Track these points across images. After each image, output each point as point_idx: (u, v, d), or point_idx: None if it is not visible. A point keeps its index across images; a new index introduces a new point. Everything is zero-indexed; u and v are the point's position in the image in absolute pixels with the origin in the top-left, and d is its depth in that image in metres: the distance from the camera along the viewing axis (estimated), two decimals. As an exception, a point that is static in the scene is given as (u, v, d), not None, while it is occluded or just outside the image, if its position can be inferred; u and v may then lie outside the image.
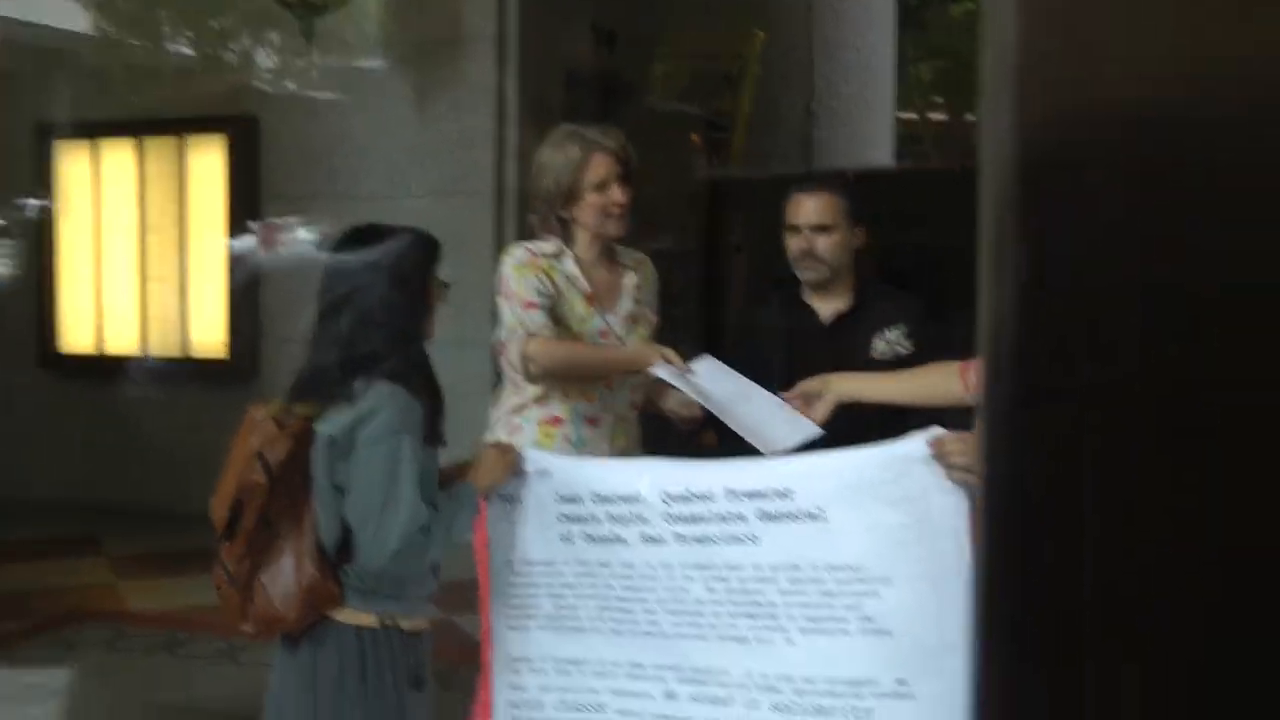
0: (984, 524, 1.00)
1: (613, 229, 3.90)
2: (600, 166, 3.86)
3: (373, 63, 8.28)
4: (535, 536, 3.15)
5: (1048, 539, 0.93)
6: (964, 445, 2.61)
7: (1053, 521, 0.92)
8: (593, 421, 3.87)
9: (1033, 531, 0.94)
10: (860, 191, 4.28)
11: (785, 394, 3.40)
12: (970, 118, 15.36)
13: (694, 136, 11.79)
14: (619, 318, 3.93)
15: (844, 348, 3.99)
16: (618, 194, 3.85)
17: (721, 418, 3.33)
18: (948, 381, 2.67)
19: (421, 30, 8.10)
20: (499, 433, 3.96)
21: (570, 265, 3.91)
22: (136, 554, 7.91)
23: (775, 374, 3.95)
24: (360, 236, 3.12)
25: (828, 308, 4.11)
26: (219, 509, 3.00)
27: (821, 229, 4.02)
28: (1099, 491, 0.90)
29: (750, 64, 10.93)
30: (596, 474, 3.15)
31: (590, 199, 3.87)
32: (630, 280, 4.01)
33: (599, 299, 3.92)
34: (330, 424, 2.96)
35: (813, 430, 3.28)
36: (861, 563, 2.77)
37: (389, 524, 2.91)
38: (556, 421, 3.88)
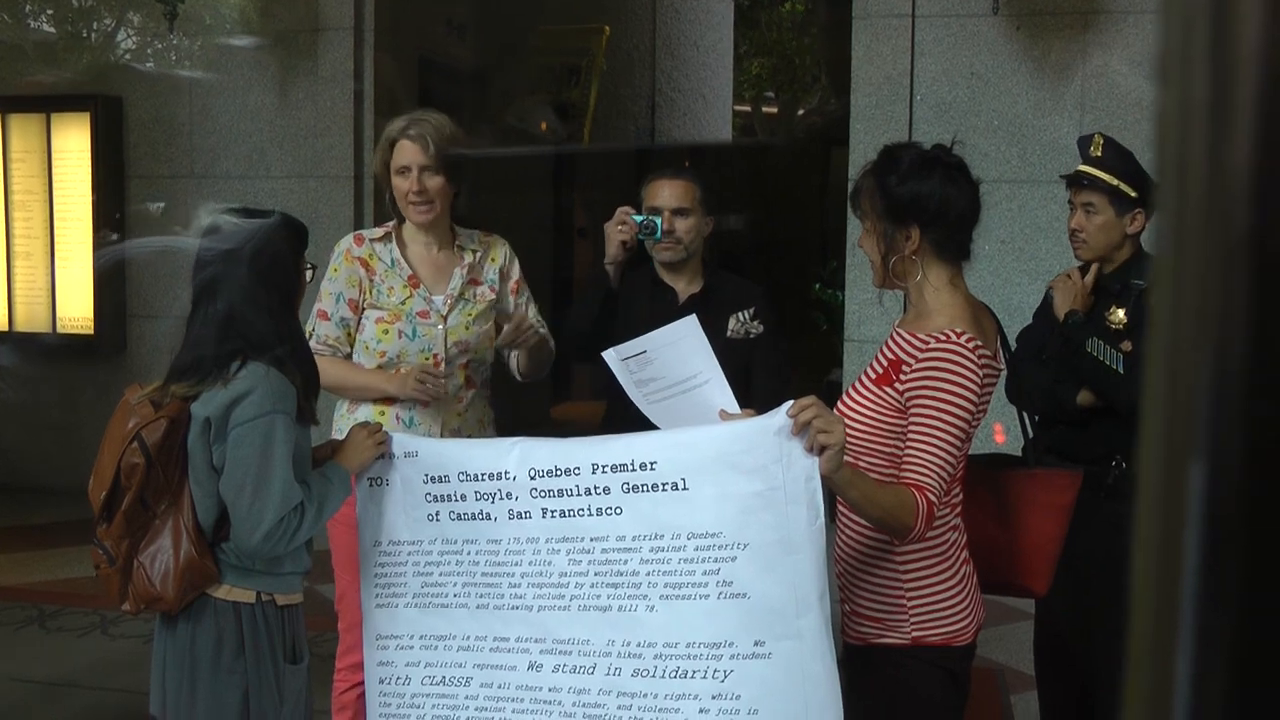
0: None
1: (415, 215, 3.87)
2: (402, 153, 3.83)
3: (234, 46, 8.13)
4: (402, 516, 3.10)
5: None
6: (821, 411, 2.60)
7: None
8: (424, 403, 3.83)
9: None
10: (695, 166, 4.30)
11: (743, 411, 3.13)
12: (801, 111, 15.54)
13: (543, 124, 11.80)
14: (445, 297, 3.90)
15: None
16: (415, 181, 3.80)
17: (649, 416, 3.18)
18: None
19: (281, 18, 7.97)
20: (340, 412, 3.97)
21: (394, 249, 3.91)
22: (4, 527, 7.65)
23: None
24: (230, 219, 3.04)
25: (681, 288, 4.14)
26: (96, 490, 2.93)
27: (680, 212, 4.05)
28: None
29: (597, 58, 10.97)
30: (464, 453, 3.11)
31: (396, 184, 3.86)
32: (467, 260, 3.97)
33: (424, 280, 3.90)
34: (206, 405, 2.89)
35: None
36: (720, 529, 2.75)
37: (263, 503, 2.85)
38: (389, 402, 3.87)
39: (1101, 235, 3.91)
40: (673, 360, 3.19)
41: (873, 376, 2.87)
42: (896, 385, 2.78)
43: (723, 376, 3.13)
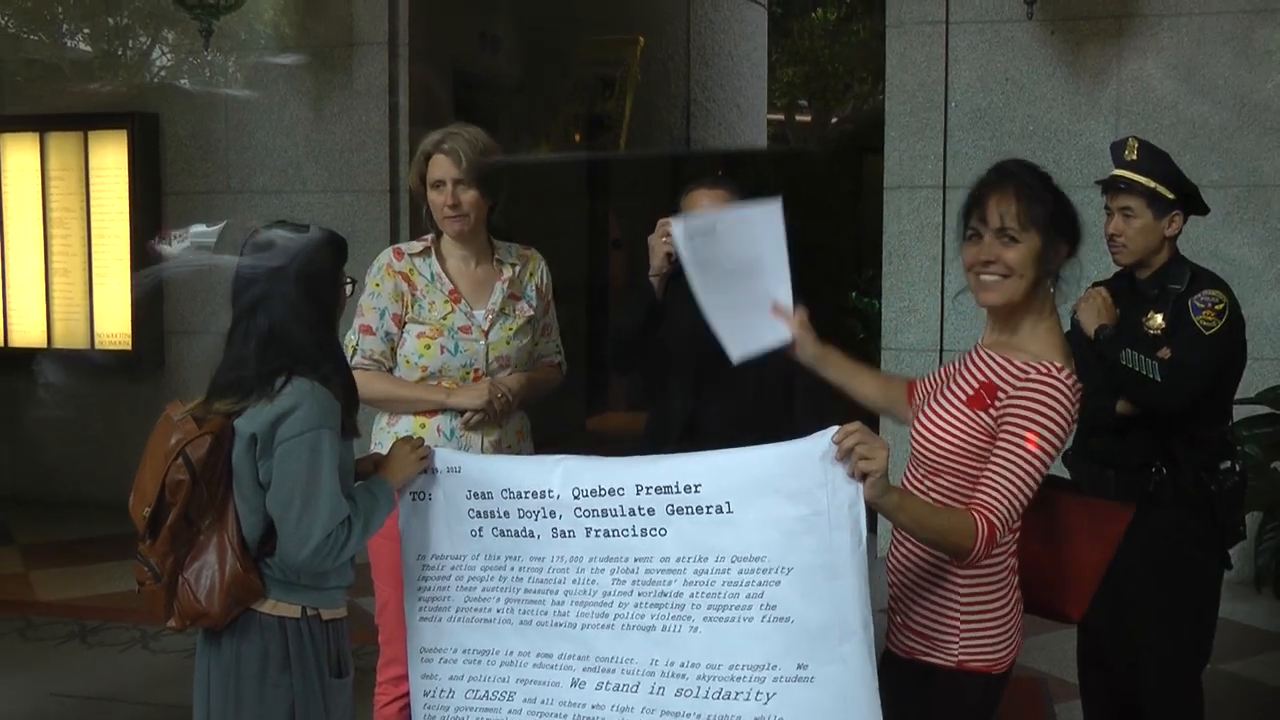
0: None
1: (450, 228, 3.88)
2: (436, 167, 3.85)
3: (269, 62, 8.16)
4: (446, 531, 3.12)
5: None
6: (865, 437, 2.60)
7: None
8: (488, 415, 3.84)
9: None
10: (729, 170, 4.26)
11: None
12: (835, 119, 15.51)
13: (577, 135, 11.81)
14: (486, 311, 3.91)
15: None
16: (449, 195, 3.82)
17: (700, 299, 3.16)
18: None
19: (315, 33, 8.00)
20: (380, 425, 3.96)
21: (433, 263, 3.93)
22: (46, 543, 7.68)
23: (675, 359, 3.97)
24: (272, 235, 3.03)
25: None
26: (139, 507, 2.92)
27: None
28: None
29: (632, 69, 10.97)
30: (507, 470, 3.12)
31: (431, 197, 3.88)
32: (507, 274, 3.98)
33: (464, 295, 3.91)
34: (251, 420, 2.89)
35: (783, 335, 3.19)
36: (765, 553, 2.77)
37: (311, 518, 2.85)
38: (431, 414, 3.87)
39: (1140, 239, 3.87)
40: (741, 241, 3.17)
41: (963, 397, 2.83)
42: (991, 410, 2.76)
43: (787, 270, 3.12)
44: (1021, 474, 2.68)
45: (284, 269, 2.93)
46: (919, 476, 2.89)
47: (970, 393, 2.82)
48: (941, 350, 6.80)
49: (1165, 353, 3.74)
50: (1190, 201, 3.91)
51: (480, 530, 3.07)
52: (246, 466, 2.89)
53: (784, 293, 3.14)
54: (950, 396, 2.87)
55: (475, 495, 3.07)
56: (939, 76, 6.82)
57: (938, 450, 2.82)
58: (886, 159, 6.99)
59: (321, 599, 3.02)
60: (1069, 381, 2.72)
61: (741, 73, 12.48)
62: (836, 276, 10.68)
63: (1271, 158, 6.44)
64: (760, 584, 2.76)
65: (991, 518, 2.65)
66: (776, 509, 2.74)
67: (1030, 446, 2.68)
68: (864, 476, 2.58)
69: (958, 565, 2.81)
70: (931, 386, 3.01)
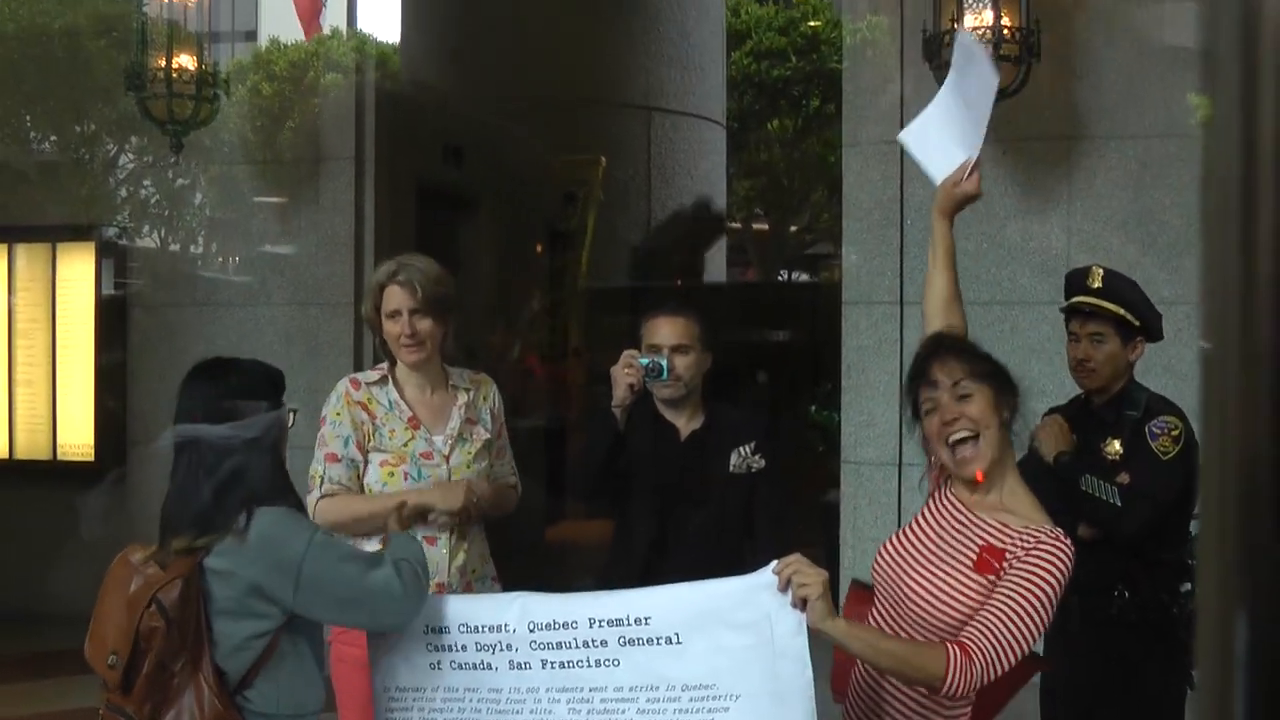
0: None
1: (408, 358, 3.89)
2: (392, 298, 3.87)
3: (236, 175, 8.19)
4: (404, 663, 3.14)
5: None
6: (802, 565, 2.70)
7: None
8: (430, 541, 3.81)
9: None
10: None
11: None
12: (794, 227, 15.68)
13: (538, 247, 11.89)
14: (445, 437, 3.93)
15: (700, 462, 4.08)
16: (407, 324, 3.83)
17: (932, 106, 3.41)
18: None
19: (282, 147, 8.05)
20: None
21: (391, 391, 3.94)
22: (2, 657, 7.51)
23: (639, 478, 3.96)
24: (209, 372, 3.07)
25: (682, 424, 4.15)
26: (101, 655, 2.85)
27: (678, 349, 4.06)
28: None
29: (594, 189, 11.09)
30: (464, 606, 3.17)
31: (387, 327, 3.89)
32: (462, 399, 4.00)
33: (423, 421, 3.93)
34: (227, 558, 2.87)
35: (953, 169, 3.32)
36: (714, 681, 2.86)
37: (384, 585, 2.94)
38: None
39: (1109, 365, 3.92)
40: (975, 84, 3.34)
41: (967, 563, 2.84)
42: (1000, 572, 2.79)
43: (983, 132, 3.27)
44: (1015, 624, 2.70)
45: (228, 433, 2.93)
46: (904, 630, 2.89)
47: (974, 557, 2.84)
48: (900, 464, 6.81)
49: (1124, 478, 3.77)
50: (1151, 329, 3.97)
51: (439, 663, 3.09)
52: (234, 601, 2.86)
53: (975, 146, 3.28)
54: (948, 561, 2.87)
55: (432, 630, 3.10)
56: (894, 195, 6.90)
57: (938, 615, 2.82)
58: (844, 275, 7.05)
59: None
60: (1071, 548, 2.80)
61: (702, 190, 12.62)
62: (796, 389, 10.74)
63: (1219, 276, 6.52)
64: (710, 710, 2.86)
65: (972, 649, 2.65)
66: (724, 639, 2.85)
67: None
68: (804, 603, 2.67)
69: (940, 698, 2.81)
70: (902, 545, 3.01)
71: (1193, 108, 6.49)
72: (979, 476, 2.89)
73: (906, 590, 2.89)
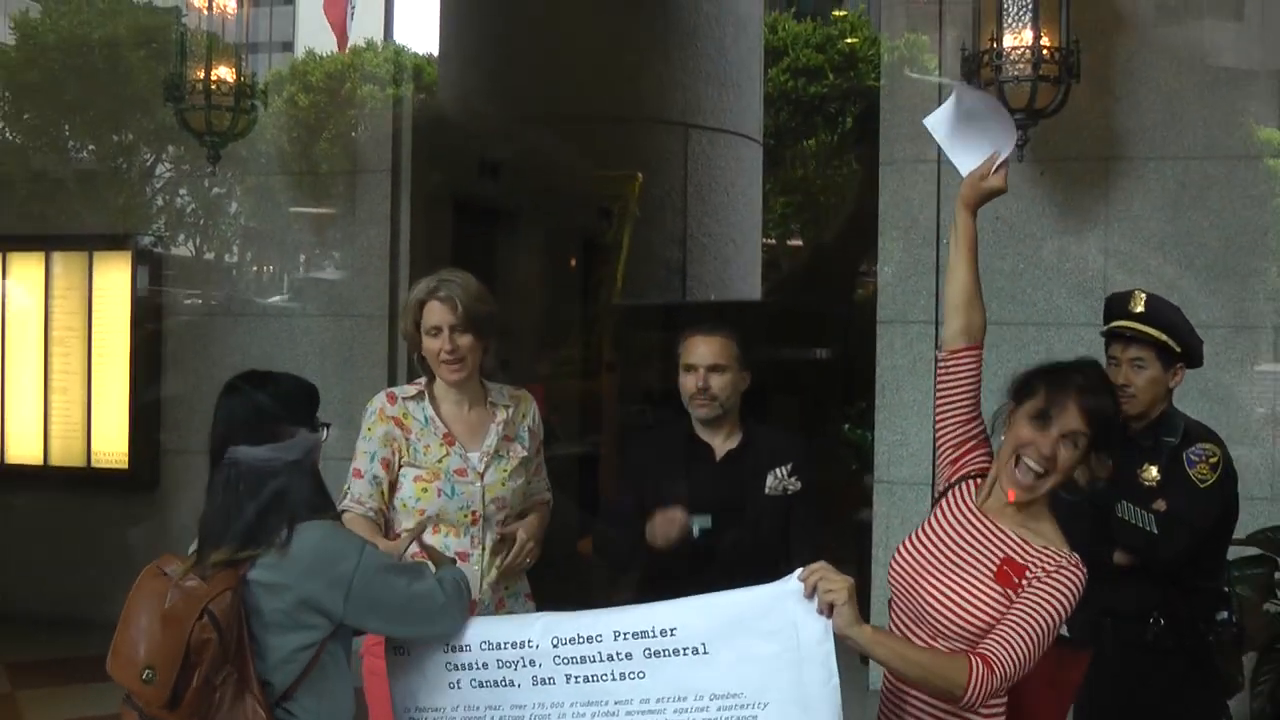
0: None
1: (448, 374, 3.89)
2: (432, 314, 3.86)
3: (273, 186, 8.22)
4: (423, 684, 3.14)
5: None
6: (827, 572, 2.72)
7: None
8: (463, 556, 3.83)
9: None
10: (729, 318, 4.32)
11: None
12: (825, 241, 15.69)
13: (572, 260, 11.89)
14: (481, 454, 3.91)
15: (736, 483, 4.06)
16: (447, 341, 3.83)
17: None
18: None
19: (319, 158, 8.07)
20: None
21: (427, 407, 3.93)
22: (35, 662, 7.55)
23: (673, 503, 3.96)
24: (245, 385, 3.08)
25: (718, 444, 4.14)
26: (128, 672, 2.81)
27: (715, 369, 4.06)
28: None
29: (630, 204, 11.08)
30: (486, 626, 3.17)
31: (427, 344, 3.89)
32: (500, 416, 3.99)
33: (459, 438, 3.92)
34: (275, 571, 2.88)
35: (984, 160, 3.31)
36: (742, 689, 2.87)
37: (430, 601, 3.03)
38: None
39: (1149, 390, 3.89)
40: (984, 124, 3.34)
41: (989, 572, 2.86)
42: (1019, 588, 2.82)
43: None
44: (1032, 640, 2.72)
45: (302, 464, 2.99)
46: (926, 636, 2.89)
47: (994, 568, 2.85)
48: (934, 484, 6.76)
49: (1161, 505, 3.73)
50: (1192, 355, 3.93)
51: (458, 682, 3.09)
52: (284, 614, 2.87)
53: (1007, 141, 3.30)
54: (969, 569, 2.89)
55: (452, 649, 3.10)
56: (931, 215, 6.86)
57: (960, 621, 2.83)
58: (880, 294, 7.01)
59: None
60: (1085, 577, 2.83)
61: (737, 207, 12.59)
62: (828, 407, 10.70)
63: (1256, 299, 6.46)
64: (739, 719, 2.86)
65: (992, 660, 2.66)
66: (751, 648, 2.85)
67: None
68: (831, 609, 2.69)
69: (955, 715, 2.82)
70: (920, 548, 3.00)
71: (1247, 131, 6.44)
72: (1010, 497, 2.91)
73: (926, 596, 2.90)
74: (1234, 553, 4.14)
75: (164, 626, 2.79)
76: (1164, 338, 3.85)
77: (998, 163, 3.22)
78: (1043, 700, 3.01)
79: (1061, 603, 2.75)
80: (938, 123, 3.45)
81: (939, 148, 3.51)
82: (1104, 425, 2.89)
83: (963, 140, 3.35)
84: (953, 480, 3.09)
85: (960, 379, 3.14)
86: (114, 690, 2.94)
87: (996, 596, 2.80)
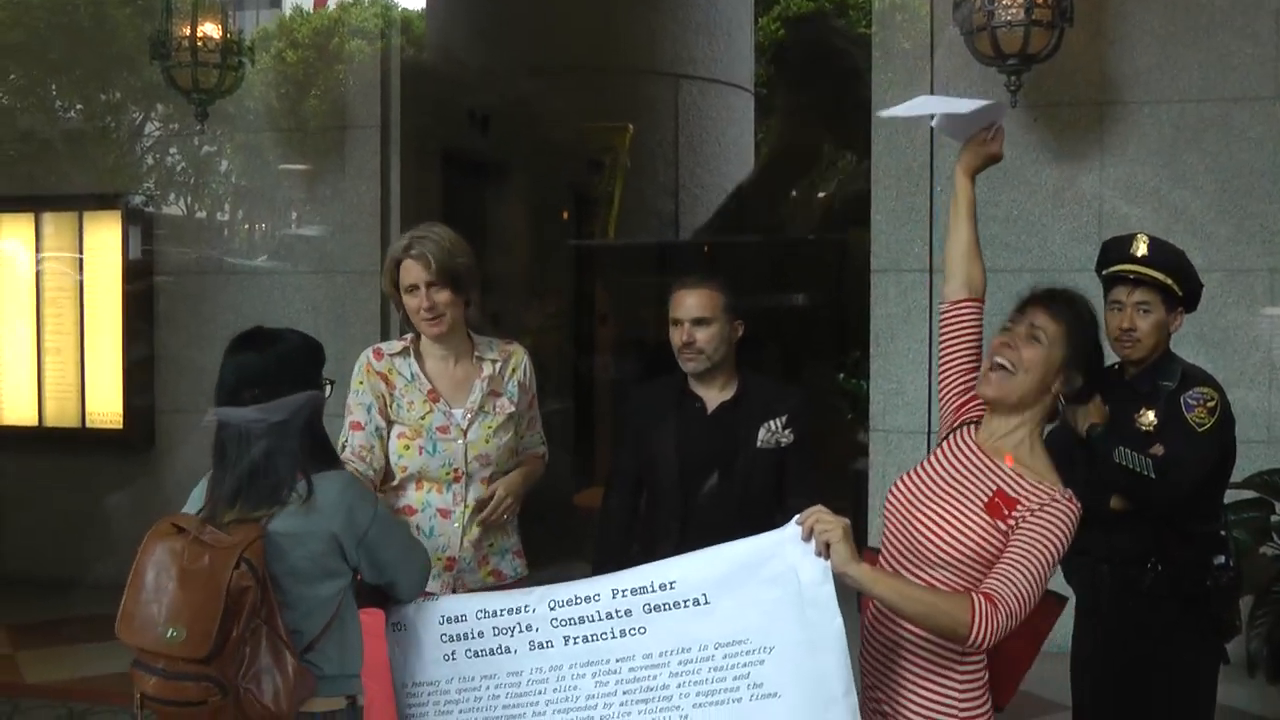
0: None
1: (429, 330, 3.90)
2: (408, 272, 3.87)
3: (261, 144, 8.17)
4: (419, 659, 3.16)
5: None
6: (823, 514, 2.75)
7: None
8: (445, 514, 3.85)
9: None
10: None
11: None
12: (821, 194, 15.60)
13: (564, 212, 11.85)
14: (465, 410, 3.91)
15: (728, 436, 4.03)
16: (424, 298, 3.83)
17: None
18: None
19: (308, 115, 8.02)
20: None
21: (412, 363, 3.94)
22: (35, 623, 7.55)
23: (663, 458, 3.94)
24: (250, 342, 3.05)
25: (711, 397, 4.10)
26: (146, 632, 2.79)
27: (700, 322, 4.02)
28: None
29: (621, 155, 11.04)
30: (484, 598, 3.18)
31: (406, 301, 3.90)
32: (487, 371, 3.98)
33: (443, 394, 3.92)
34: (296, 520, 2.89)
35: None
36: (747, 635, 2.87)
37: (419, 557, 3.16)
38: (410, 511, 3.88)
39: (1154, 334, 3.86)
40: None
41: (979, 502, 2.86)
42: (1008, 521, 2.81)
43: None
44: (1033, 576, 2.72)
45: (289, 424, 2.96)
46: (914, 567, 2.89)
47: (986, 499, 2.85)
48: (929, 433, 6.76)
49: (1158, 449, 3.72)
50: (1192, 298, 3.91)
51: (453, 654, 3.10)
52: (311, 562, 2.90)
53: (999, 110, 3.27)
54: (960, 499, 2.89)
55: (448, 620, 3.12)
56: (924, 162, 6.84)
57: (947, 549, 2.84)
58: (873, 243, 6.99)
59: (355, 685, 3.03)
60: (1079, 513, 2.82)
61: (729, 157, 12.55)
62: (823, 356, 10.68)
63: (1252, 243, 6.45)
64: (745, 665, 2.86)
65: (996, 597, 2.67)
66: (754, 593, 2.86)
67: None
68: (827, 550, 2.71)
69: (963, 650, 2.82)
70: (916, 482, 3.01)
71: (1242, 73, 6.40)
72: (985, 396, 2.98)
73: (916, 524, 2.91)
74: (1231, 496, 4.13)
75: (186, 583, 2.77)
76: (1169, 281, 3.82)
77: (993, 130, 3.21)
78: (1015, 648, 3.00)
79: (1058, 537, 2.75)
80: (900, 112, 3.45)
81: (931, 94, 3.48)
82: (1072, 328, 2.92)
83: (953, 117, 3.33)
84: (955, 427, 3.10)
85: (962, 330, 3.16)
86: (115, 650, 2.92)
87: (985, 526, 2.80)
